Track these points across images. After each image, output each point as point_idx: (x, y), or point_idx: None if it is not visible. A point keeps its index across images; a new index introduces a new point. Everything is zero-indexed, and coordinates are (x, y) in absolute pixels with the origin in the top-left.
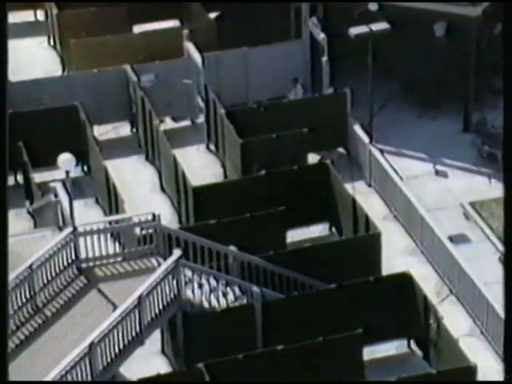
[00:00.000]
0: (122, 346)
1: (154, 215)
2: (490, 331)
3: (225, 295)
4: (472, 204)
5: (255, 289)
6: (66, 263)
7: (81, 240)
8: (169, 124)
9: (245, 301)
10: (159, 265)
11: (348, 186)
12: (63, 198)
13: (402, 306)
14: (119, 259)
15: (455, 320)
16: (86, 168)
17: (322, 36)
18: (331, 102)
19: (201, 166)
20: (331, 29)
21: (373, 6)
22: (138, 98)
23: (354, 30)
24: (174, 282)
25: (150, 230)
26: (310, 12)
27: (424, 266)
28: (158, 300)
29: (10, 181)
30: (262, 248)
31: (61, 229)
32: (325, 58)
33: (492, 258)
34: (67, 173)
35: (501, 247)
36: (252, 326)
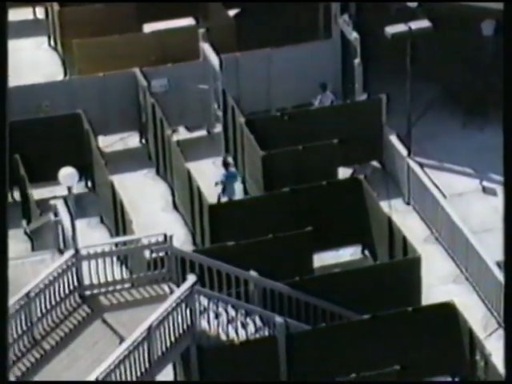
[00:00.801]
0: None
1: (165, 236)
2: None
3: (244, 326)
4: None
5: (278, 319)
6: (67, 290)
7: (84, 264)
8: (182, 134)
9: (267, 332)
10: (171, 292)
11: (383, 205)
12: (64, 217)
13: (444, 341)
14: (126, 286)
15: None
16: (89, 183)
17: (354, 35)
18: (364, 110)
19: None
20: (365, 27)
21: (412, 2)
22: (149, 105)
23: (391, 29)
24: (188, 311)
25: (161, 253)
26: (340, 9)
27: (469, 295)
28: (169, 331)
29: None
30: (286, 273)
31: (61, 252)
32: (357, 60)
33: None
34: (69, 189)
35: None
36: (275, 361)
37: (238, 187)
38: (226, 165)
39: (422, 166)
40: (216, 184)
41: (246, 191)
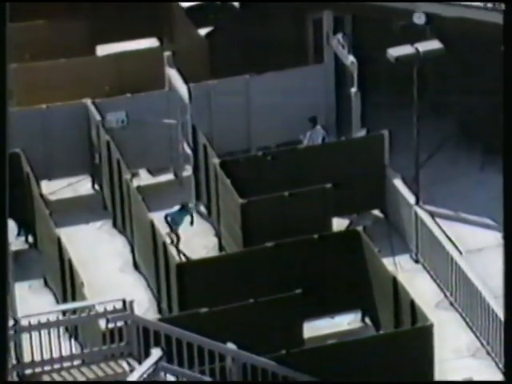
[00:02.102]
0: None
1: (124, 302)
2: None
3: None
4: None
5: None
6: None
7: (24, 337)
8: (144, 178)
9: None
10: (131, 370)
11: (387, 262)
12: None
13: None
14: (76, 363)
15: None
16: (30, 238)
17: (350, 59)
18: (363, 149)
19: (188, 234)
20: (363, 49)
21: (419, 19)
22: (103, 144)
23: (395, 51)
24: None
25: (120, 323)
26: (334, 27)
27: (492, 372)
28: None
29: None
30: (270, 345)
31: None
32: (354, 89)
33: None
34: None
35: None
36: None
37: (186, 220)
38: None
39: (432, 215)
40: (165, 219)
41: (221, 246)
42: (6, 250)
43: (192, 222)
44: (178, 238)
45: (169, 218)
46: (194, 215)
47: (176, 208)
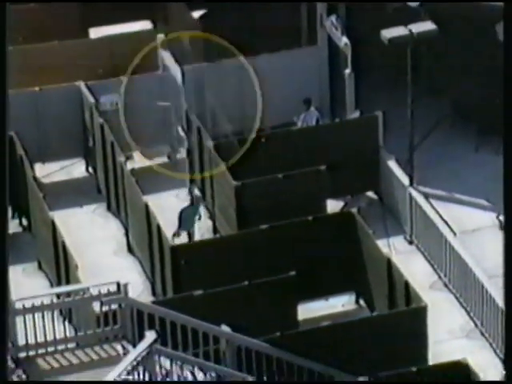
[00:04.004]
0: None
1: (118, 285)
2: None
3: None
4: None
5: None
6: None
7: (18, 320)
8: (138, 161)
9: None
10: (126, 352)
11: (381, 244)
12: None
13: None
14: (71, 346)
15: None
16: (24, 221)
17: (344, 41)
18: (357, 130)
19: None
20: (356, 31)
21: (413, 1)
22: (96, 127)
23: (388, 33)
24: (146, 374)
25: (114, 306)
26: (327, 9)
27: (485, 352)
28: None
29: None
30: (264, 328)
31: None
32: (348, 71)
33: None
34: None
35: None
36: None
37: (197, 221)
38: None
39: (426, 197)
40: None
41: (215, 229)
42: (5, 250)
43: (200, 218)
44: (190, 237)
45: (183, 215)
46: (203, 211)
47: (188, 204)
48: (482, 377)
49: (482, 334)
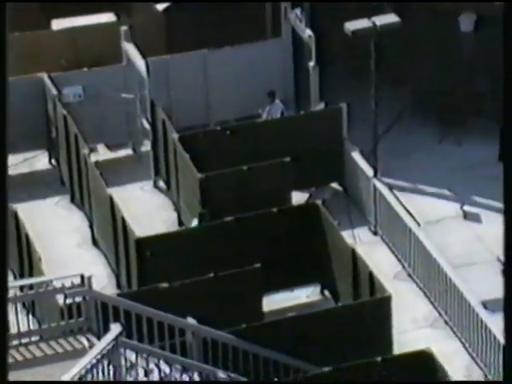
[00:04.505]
0: None
1: (82, 278)
2: None
3: None
4: None
5: (222, 375)
6: None
7: None
8: (102, 153)
9: None
10: (90, 345)
11: (346, 235)
12: None
13: None
14: (34, 339)
15: None
16: None
17: (308, 33)
18: (321, 122)
19: (147, 210)
20: (320, 24)
21: None
22: (60, 119)
23: (352, 25)
24: (112, 368)
25: (78, 298)
26: (292, 2)
27: (450, 341)
28: None
29: None
30: (230, 320)
31: None
32: (312, 63)
33: None
34: None
35: None
36: None
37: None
38: None
39: (390, 188)
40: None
41: (180, 221)
42: (5, 250)
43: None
44: None
45: None
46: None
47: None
48: (447, 365)
49: (446, 323)
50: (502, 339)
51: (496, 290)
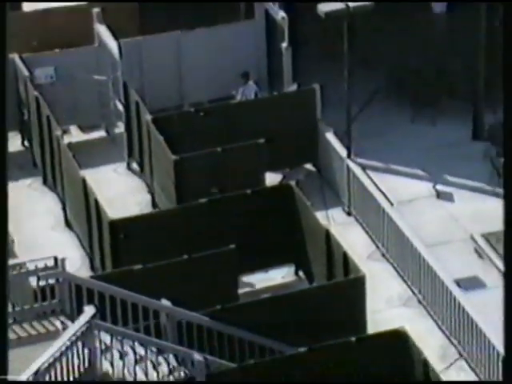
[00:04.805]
0: None
1: (56, 260)
2: None
3: (156, 366)
4: (486, 236)
5: (197, 357)
6: None
7: None
8: (75, 135)
9: (183, 373)
10: (64, 328)
11: (320, 215)
12: None
13: (395, 373)
14: (8, 321)
15: None
16: None
17: (281, 15)
18: (295, 103)
19: (120, 192)
20: (293, 5)
21: None
22: (32, 100)
23: (325, 7)
24: (86, 350)
25: (51, 281)
26: None
27: (423, 320)
28: (62, 376)
29: None
30: (205, 301)
31: None
32: (285, 45)
33: None
34: None
35: None
36: None
37: None
38: None
39: (364, 168)
40: None
41: (154, 203)
42: (5, 249)
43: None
44: None
45: None
46: None
47: None
48: (421, 344)
49: (420, 302)
50: (475, 317)
51: (469, 269)
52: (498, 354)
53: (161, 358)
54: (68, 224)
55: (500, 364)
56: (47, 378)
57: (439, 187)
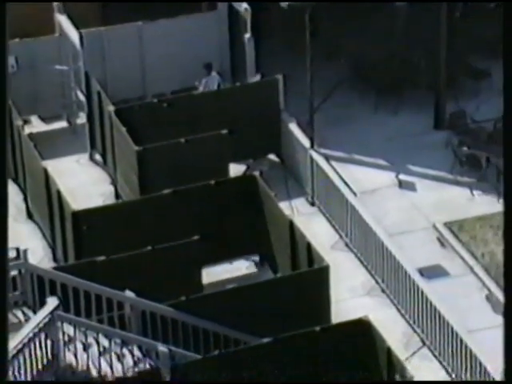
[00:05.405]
0: None
1: (18, 251)
2: None
3: (120, 358)
4: (448, 225)
5: (161, 348)
6: None
7: None
8: (36, 126)
9: (148, 364)
10: (26, 319)
11: (283, 206)
12: None
13: (358, 363)
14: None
15: (429, 380)
16: None
17: (243, 6)
18: (258, 94)
19: (83, 183)
20: None
21: None
22: None
23: None
24: (49, 342)
25: (13, 272)
26: None
27: (387, 309)
28: (25, 367)
29: None
30: (169, 292)
31: None
32: (248, 35)
33: (476, 297)
34: None
35: (488, 281)
36: None
37: None
38: None
39: (327, 158)
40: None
41: (117, 194)
42: (5, 249)
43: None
44: None
45: None
46: None
47: None
48: (385, 333)
49: (383, 291)
50: (438, 305)
51: (432, 257)
52: (461, 342)
53: (125, 350)
54: (30, 215)
55: (462, 351)
56: (10, 370)
57: (402, 177)
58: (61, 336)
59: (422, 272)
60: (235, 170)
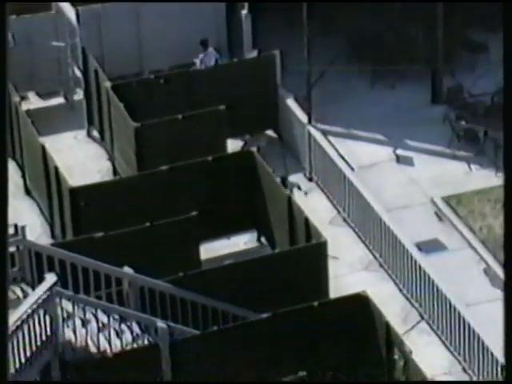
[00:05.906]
0: None
1: (16, 227)
2: (474, 365)
3: (119, 334)
4: (446, 199)
5: (160, 324)
6: None
7: None
8: (34, 102)
9: (146, 340)
10: (25, 295)
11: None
12: None
13: (357, 337)
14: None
15: (428, 354)
16: None
17: None
18: (255, 69)
19: (81, 159)
20: None
21: None
22: None
23: None
24: (47, 318)
25: (12, 248)
26: None
27: (385, 283)
28: (24, 344)
29: None
30: (167, 268)
31: None
32: (245, 11)
33: (474, 271)
34: None
35: (486, 255)
36: (157, 374)
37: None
38: None
39: (325, 134)
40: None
41: (115, 171)
42: (5, 249)
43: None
44: None
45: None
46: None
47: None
48: (383, 308)
49: (381, 266)
50: (436, 279)
51: (430, 232)
52: (459, 315)
53: (124, 326)
54: (28, 191)
55: (460, 325)
56: (9, 348)
57: (399, 151)
58: (59, 312)
59: (420, 246)
60: (233, 145)
